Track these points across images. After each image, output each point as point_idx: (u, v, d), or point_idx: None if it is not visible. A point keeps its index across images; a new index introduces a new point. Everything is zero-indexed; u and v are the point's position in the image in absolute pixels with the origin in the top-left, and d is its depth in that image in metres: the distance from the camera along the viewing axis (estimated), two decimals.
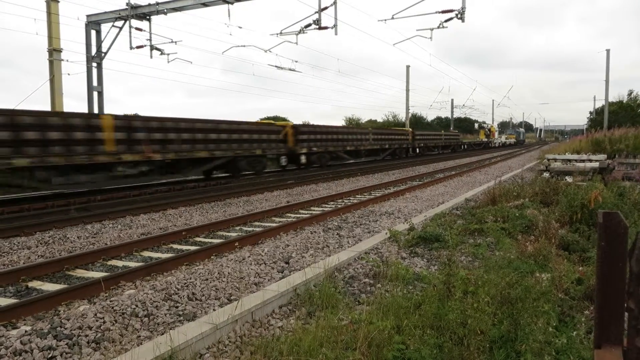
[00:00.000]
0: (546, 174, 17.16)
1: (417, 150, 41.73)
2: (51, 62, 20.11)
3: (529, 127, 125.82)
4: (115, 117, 14.40)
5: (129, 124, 14.61)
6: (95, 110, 21.89)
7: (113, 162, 14.02)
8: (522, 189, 12.29)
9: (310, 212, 11.97)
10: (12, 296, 5.90)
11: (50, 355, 3.93)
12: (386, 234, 8.14)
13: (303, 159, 24.15)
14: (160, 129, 15.51)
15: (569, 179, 14.84)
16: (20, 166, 11.75)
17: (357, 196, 15.09)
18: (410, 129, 42.29)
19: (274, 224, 10.12)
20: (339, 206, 12.51)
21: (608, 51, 39.72)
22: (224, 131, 18.25)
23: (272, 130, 21.63)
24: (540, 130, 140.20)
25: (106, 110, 22.28)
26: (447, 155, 44.81)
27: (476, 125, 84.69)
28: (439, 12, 20.95)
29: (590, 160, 17.87)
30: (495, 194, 11.42)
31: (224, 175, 19.82)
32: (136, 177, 15.36)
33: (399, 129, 43.15)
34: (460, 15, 20.33)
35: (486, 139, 73.17)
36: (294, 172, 23.48)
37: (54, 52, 20.04)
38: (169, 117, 16.16)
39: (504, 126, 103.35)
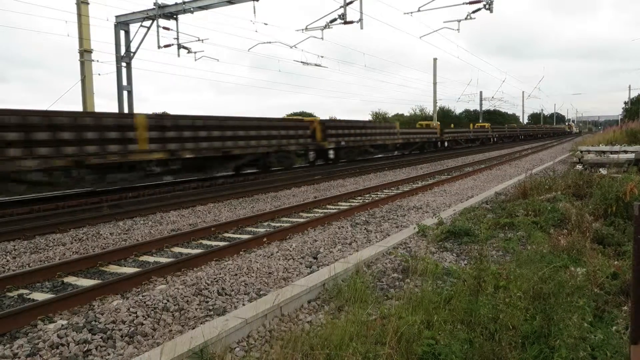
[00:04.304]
0: (579, 166, 16.74)
1: (332, 155, 25.16)
2: (82, 63, 20.56)
3: (560, 119, 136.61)
4: None
5: None
6: (125, 109, 22.28)
7: None
8: (554, 181, 12.03)
9: (338, 207, 11.97)
10: (48, 291, 6.07)
11: (85, 349, 4.04)
12: (414, 228, 8.07)
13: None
14: None
15: (603, 171, 14.44)
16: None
17: (384, 191, 15.01)
18: (318, 119, 25.94)
19: (302, 220, 10.15)
20: (367, 201, 12.47)
21: None
22: None
23: None
24: (572, 121, 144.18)
25: (136, 109, 22.69)
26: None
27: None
28: (467, 3, 20.63)
29: (626, 152, 17.34)
30: (526, 187, 11.20)
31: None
32: None
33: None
34: (489, 6, 19.99)
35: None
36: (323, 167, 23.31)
37: (85, 53, 20.48)
38: None
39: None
